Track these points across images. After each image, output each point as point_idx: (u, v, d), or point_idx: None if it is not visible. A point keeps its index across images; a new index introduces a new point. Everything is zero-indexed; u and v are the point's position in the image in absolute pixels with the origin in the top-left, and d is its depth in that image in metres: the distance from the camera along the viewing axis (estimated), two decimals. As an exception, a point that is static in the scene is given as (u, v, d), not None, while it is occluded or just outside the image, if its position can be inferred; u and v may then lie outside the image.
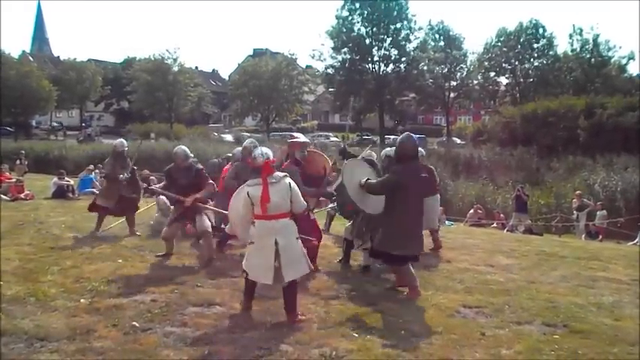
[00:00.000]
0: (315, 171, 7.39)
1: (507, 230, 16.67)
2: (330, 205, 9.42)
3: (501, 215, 18.98)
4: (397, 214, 5.93)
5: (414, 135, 6.22)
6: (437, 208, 9.14)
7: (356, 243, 7.23)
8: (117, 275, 6.54)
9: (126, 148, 9.78)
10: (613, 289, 6.79)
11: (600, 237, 16.51)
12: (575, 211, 17.81)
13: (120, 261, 7.34)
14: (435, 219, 8.95)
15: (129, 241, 8.65)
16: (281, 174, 5.22)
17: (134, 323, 4.93)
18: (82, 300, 5.57)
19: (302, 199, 5.25)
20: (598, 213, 17.64)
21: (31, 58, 63.15)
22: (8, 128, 51.98)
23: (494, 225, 18.11)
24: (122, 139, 10.39)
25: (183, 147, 7.85)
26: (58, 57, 74.23)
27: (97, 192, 12.20)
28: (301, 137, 7.46)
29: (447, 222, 18.11)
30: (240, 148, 8.67)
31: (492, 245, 9.77)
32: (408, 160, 5.98)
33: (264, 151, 5.19)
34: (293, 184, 5.19)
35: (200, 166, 7.93)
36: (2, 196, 15.39)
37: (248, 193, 5.07)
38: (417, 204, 6.01)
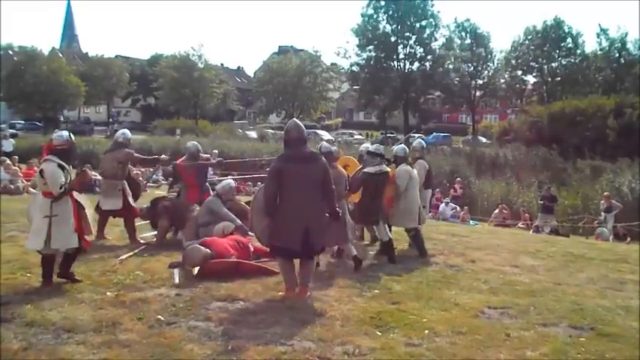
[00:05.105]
0: None
1: (533, 231, 16.47)
2: None
3: (527, 215, 18.75)
4: (280, 202, 5.60)
5: (298, 121, 5.95)
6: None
7: None
8: (142, 269, 6.62)
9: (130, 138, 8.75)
10: (642, 292, 6.67)
11: (628, 239, 16.20)
12: (602, 213, 17.51)
13: (145, 255, 7.43)
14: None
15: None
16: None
17: (159, 317, 4.98)
18: (108, 293, 5.65)
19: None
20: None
21: (60, 55, 64.07)
22: (37, 123, 52.94)
23: (520, 225, 17.90)
24: (125, 130, 9.14)
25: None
26: (87, 53, 75.13)
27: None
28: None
29: (471, 222, 18.00)
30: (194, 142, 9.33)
31: (517, 246, 9.67)
32: (292, 145, 5.73)
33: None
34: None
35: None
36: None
37: None
38: (301, 191, 5.56)
